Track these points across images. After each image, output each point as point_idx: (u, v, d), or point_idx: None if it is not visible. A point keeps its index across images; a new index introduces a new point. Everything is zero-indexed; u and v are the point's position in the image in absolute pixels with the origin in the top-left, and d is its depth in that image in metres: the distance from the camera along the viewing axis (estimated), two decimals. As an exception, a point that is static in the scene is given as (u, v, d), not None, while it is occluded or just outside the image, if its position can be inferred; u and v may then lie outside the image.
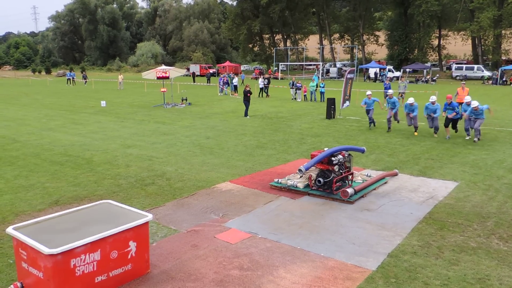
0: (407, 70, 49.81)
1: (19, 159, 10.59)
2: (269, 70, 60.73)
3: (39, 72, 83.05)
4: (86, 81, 46.09)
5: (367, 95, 15.57)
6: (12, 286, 4.42)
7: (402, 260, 5.22)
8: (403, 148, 11.82)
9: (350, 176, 8.05)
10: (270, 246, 5.64)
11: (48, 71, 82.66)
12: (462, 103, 16.43)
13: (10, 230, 4.39)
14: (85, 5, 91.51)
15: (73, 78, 47.68)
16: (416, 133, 14.12)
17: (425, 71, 49.31)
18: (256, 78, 49.52)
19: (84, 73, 53.40)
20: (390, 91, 15.61)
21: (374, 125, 15.64)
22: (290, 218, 6.64)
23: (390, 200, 7.54)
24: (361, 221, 6.52)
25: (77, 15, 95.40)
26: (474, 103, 12.61)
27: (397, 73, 49.18)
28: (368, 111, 15.69)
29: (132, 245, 4.66)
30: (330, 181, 7.59)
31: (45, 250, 3.94)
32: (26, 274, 4.33)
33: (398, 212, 6.92)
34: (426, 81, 46.76)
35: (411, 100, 13.92)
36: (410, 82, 36.78)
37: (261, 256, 5.35)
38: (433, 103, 13.53)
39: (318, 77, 30.23)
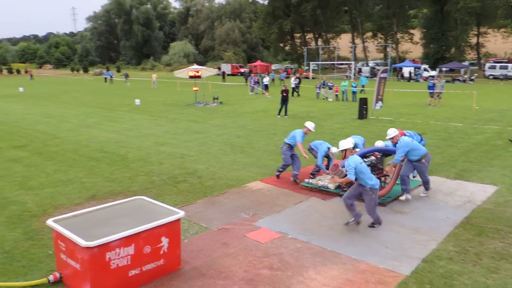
0: (443, 69, 48.09)
1: (59, 155, 11.04)
2: (300, 70, 60.24)
3: (77, 71, 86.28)
4: (126, 80, 46.30)
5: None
6: (51, 276, 4.62)
7: (437, 265, 5.06)
8: (439, 150, 11.43)
9: (383, 178, 7.86)
10: (300, 246, 5.61)
11: (85, 70, 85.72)
12: None
13: (50, 222, 4.58)
14: (121, 5, 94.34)
15: (111, 77, 48.98)
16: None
17: (462, 70, 47.46)
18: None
19: (126, 72, 54.34)
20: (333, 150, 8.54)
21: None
22: (321, 219, 6.58)
23: (424, 203, 7.32)
24: (394, 224, 6.36)
25: (113, 15, 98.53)
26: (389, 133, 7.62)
27: (433, 72, 47.61)
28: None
29: (165, 241, 4.75)
30: (362, 182, 7.44)
31: (83, 242, 4.08)
32: (65, 265, 4.51)
33: (433, 216, 6.71)
34: (464, 81, 44.98)
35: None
36: (447, 82, 35.41)
37: (291, 256, 5.32)
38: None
39: (366, 78, 29.45)
